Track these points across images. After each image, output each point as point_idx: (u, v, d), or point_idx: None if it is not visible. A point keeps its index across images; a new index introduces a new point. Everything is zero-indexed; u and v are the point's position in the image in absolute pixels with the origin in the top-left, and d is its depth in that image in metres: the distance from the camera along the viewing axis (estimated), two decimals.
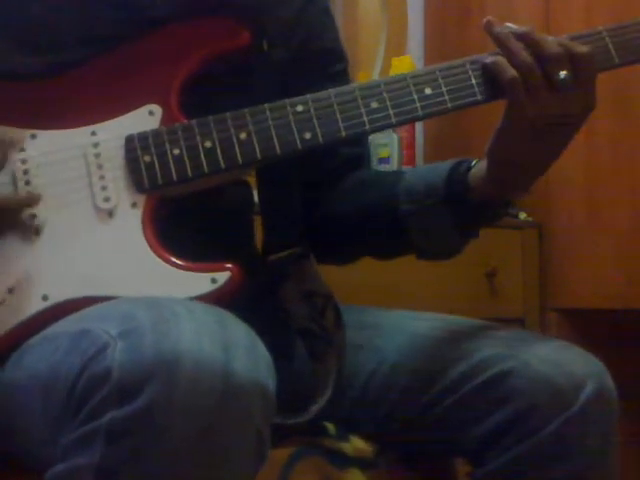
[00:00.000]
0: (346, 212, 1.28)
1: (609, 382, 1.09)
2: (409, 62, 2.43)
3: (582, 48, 1.09)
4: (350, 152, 1.31)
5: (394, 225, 1.22)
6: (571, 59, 1.08)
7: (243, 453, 0.84)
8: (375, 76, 2.56)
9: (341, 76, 1.31)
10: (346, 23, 2.63)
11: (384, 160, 2.33)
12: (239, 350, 0.85)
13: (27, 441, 1.01)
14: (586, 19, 2.22)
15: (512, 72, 1.08)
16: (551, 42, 1.09)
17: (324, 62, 1.30)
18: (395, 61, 2.44)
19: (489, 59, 1.11)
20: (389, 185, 1.25)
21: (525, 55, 1.08)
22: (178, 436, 0.81)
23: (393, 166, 2.32)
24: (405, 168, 2.31)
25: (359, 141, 1.33)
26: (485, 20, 1.11)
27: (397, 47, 2.61)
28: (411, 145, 2.40)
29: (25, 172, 1.08)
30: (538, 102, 1.08)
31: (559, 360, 1.09)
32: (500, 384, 1.09)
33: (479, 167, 1.17)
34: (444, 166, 1.20)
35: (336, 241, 1.31)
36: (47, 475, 0.88)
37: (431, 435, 1.15)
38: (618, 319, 2.21)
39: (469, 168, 1.18)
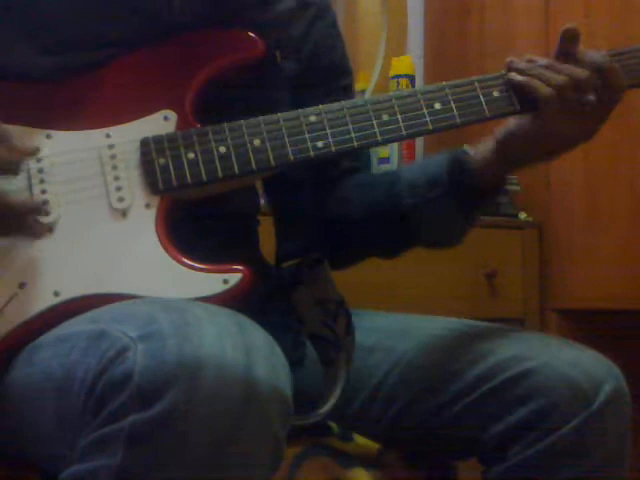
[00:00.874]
0: (350, 214, 1.30)
1: (624, 382, 1.13)
2: (409, 62, 2.43)
3: (618, 79, 1.15)
4: (350, 165, 1.34)
5: (398, 221, 1.25)
6: (604, 83, 1.14)
7: (261, 458, 0.84)
8: (375, 76, 2.56)
9: (346, 91, 1.34)
10: (346, 23, 2.63)
11: (384, 160, 2.34)
12: (259, 355, 0.85)
13: (36, 440, 1.01)
14: (586, 20, 2.22)
15: (549, 90, 1.13)
16: (578, 69, 1.14)
17: (331, 76, 1.33)
18: (395, 61, 2.44)
19: (520, 78, 1.15)
20: (390, 183, 1.28)
21: (559, 77, 1.13)
22: (198, 440, 0.81)
23: (393, 166, 2.33)
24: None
25: (358, 155, 1.37)
26: (507, 60, 1.17)
27: (397, 47, 2.61)
28: (411, 145, 2.40)
29: (40, 171, 1.09)
30: (570, 118, 1.14)
31: (578, 361, 1.12)
32: (520, 383, 1.11)
33: (477, 151, 1.21)
34: (441, 157, 1.24)
35: (341, 244, 1.32)
36: (63, 475, 0.87)
37: (447, 434, 1.16)
38: (618, 319, 2.21)
39: (465, 153, 1.22)
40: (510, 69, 1.17)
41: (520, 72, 1.16)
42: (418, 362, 1.19)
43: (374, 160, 2.31)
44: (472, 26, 2.53)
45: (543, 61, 1.16)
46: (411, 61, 2.44)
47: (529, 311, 2.25)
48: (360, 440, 1.21)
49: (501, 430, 1.11)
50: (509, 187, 2.29)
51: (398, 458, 1.22)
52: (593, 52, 1.16)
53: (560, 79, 1.13)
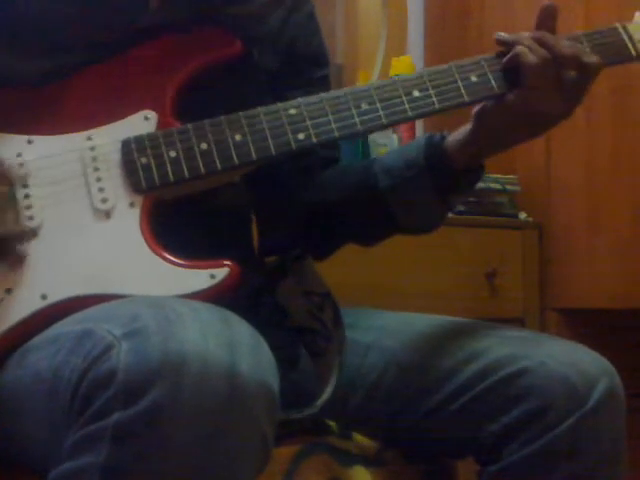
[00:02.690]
0: (325, 198, 1.31)
1: (619, 381, 1.12)
2: (409, 62, 2.43)
3: (592, 58, 1.15)
4: (327, 154, 1.34)
5: (375, 204, 1.26)
6: (579, 65, 1.14)
7: (247, 454, 0.84)
8: (375, 76, 2.57)
9: (323, 81, 1.34)
10: (346, 23, 2.63)
11: None
12: (244, 350, 0.84)
13: (28, 441, 1.00)
14: (585, 20, 2.22)
15: (534, 57, 1.13)
16: (564, 44, 1.14)
17: (308, 67, 1.33)
18: (395, 61, 2.45)
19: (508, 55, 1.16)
20: (365, 168, 1.29)
21: (542, 50, 1.13)
22: (183, 437, 0.80)
23: None
24: None
25: (336, 146, 1.37)
26: (495, 35, 1.17)
27: (397, 47, 2.62)
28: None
29: (22, 176, 1.09)
30: (548, 94, 1.14)
31: (572, 359, 1.11)
32: (516, 382, 1.10)
33: (454, 135, 1.21)
34: (418, 141, 1.25)
35: (318, 230, 1.32)
36: (52, 475, 0.87)
37: (443, 433, 1.16)
38: (618, 319, 2.21)
39: (443, 137, 1.22)
40: (497, 42, 1.17)
41: (506, 42, 1.16)
42: (414, 361, 1.18)
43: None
44: (472, 26, 2.53)
45: (527, 34, 1.16)
46: (411, 61, 2.44)
47: (529, 311, 2.26)
48: (359, 438, 1.21)
49: (496, 429, 1.11)
50: (509, 187, 2.30)
51: (397, 456, 1.22)
52: (566, 35, 1.18)
53: (542, 52, 1.13)
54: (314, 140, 1.12)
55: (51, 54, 1.14)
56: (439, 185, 1.22)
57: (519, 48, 1.14)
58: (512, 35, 1.16)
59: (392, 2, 2.65)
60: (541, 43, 1.14)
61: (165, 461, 0.81)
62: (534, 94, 1.14)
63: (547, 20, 1.17)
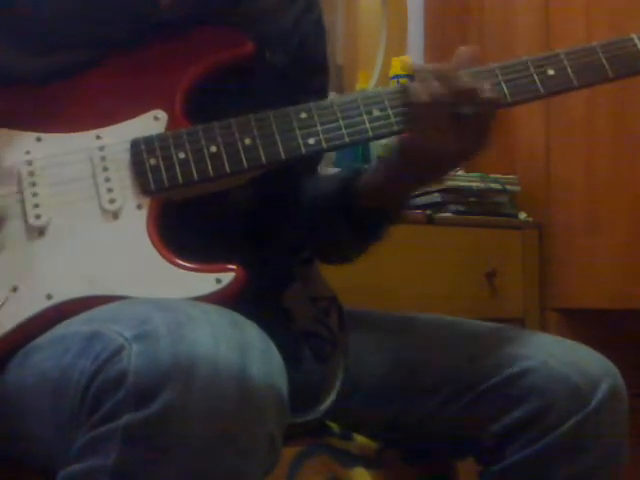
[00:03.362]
0: (303, 204, 1.30)
1: (621, 381, 1.13)
2: (409, 62, 2.43)
3: (488, 94, 1.10)
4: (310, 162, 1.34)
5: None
6: (476, 101, 1.10)
7: (256, 457, 0.84)
8: (375, 76, 2.57)
9: (322, 92, 1.33)
10: (346, 23, 2.64)
11: None
12: (255, 354, 0.84)
13: (32, 441, 1.00)
14: (585, 20, 2.23)
15: (423, 98, 1.10)
16: (464, 78, 1.10)
17: (309, 75, 1.32)
18: (395, 61, 2.45)
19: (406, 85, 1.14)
20: (341, 181, 1.27)
21: (437, 85, 1.09)
22: (193, 440, 0.80)
23: None
24: None
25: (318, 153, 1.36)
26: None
27: (397, 47, 2.62)
28: None
29: (30, 174, 1.09)
30: (440, 131, 1.10)
31: (575, 360, 1.12)
32: (518, 382, 1.11)
33: (371, 172, 1.21)
34: (337, 175, 1.25)
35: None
36: (60, 476, 0.87)
37: (445, 434, 1.16)
38: (618, 319, 2.21)
39: (359, 174, 1.22)
40: (413, 69, 1.16)
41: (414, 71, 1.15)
42: (416, 361, 1.19)
43: (374, 160, 2.31)
44: (472, 26, 2.54)
45: (430, 66, 1.13)
46: (411, 61, 2.45)
47: (529, 311, 2.26)
48: (359, 439, 1.21)
49: (499, 429, 1.11)
50: (509, 187, 2.30)
51: (397, 457, 1.22)
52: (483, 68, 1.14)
53: (434, 88, 1.09)
54: (324, 145, 1.12)
55: (51, 53, 1.14)
56: (351, 223, 1.21)
57: (408, 85, 1.11)
58: (418, 66, 1.15)
59: (392, 2, 2.65)
60: (438, 77, 1.10)
61: (174, 463, 0.81)
62: (423, 132, 1.10)
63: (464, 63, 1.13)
